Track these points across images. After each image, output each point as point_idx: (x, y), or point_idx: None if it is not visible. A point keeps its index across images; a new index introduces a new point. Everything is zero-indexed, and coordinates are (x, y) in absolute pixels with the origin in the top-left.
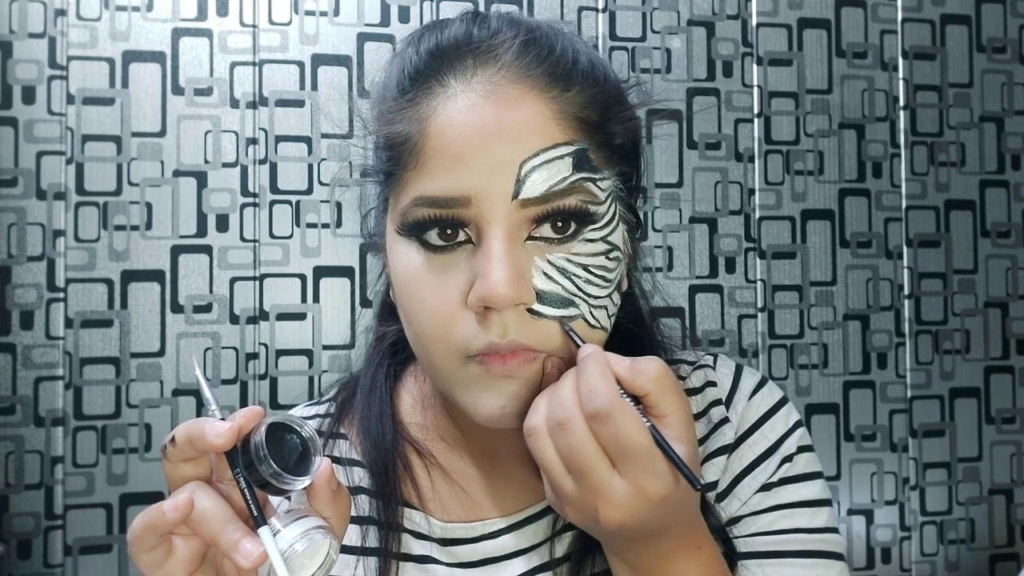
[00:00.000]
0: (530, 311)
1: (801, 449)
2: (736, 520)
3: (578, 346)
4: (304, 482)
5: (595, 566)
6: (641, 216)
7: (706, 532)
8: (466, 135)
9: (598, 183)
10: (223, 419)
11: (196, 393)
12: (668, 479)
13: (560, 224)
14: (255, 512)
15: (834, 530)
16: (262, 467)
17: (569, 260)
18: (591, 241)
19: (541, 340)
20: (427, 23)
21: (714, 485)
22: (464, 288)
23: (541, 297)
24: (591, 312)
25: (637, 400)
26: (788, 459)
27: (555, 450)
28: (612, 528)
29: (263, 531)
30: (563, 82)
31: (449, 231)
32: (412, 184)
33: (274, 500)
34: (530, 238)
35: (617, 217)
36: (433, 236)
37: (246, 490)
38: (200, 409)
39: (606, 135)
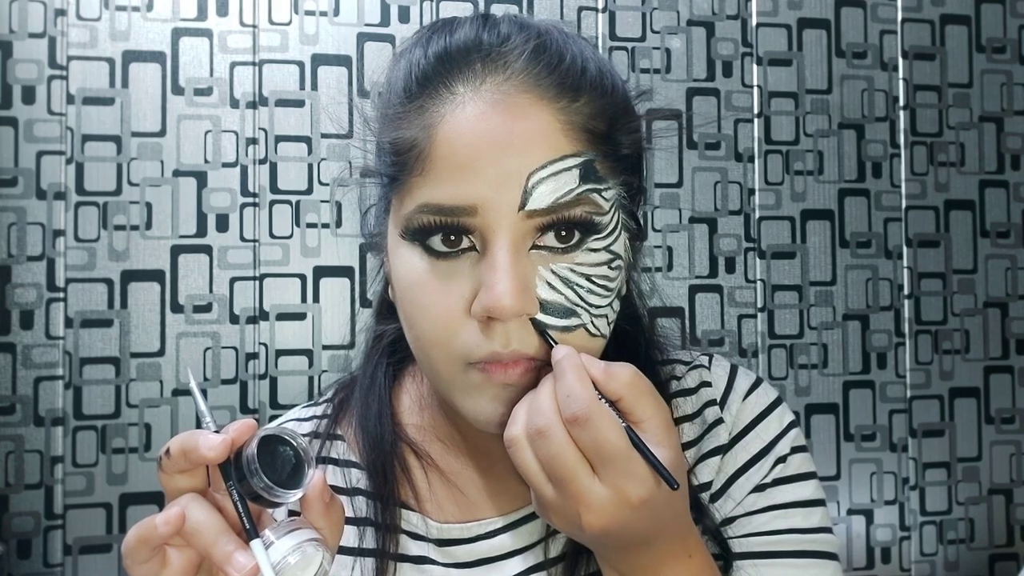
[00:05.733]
0: (533, 321)
1: (795, 450)
2: (730, 521)
3: (551, 346)
4: (296, 495)
5: (589, 566)
6: (641, 220)
7: (698, 540)
8: (474, 144)
9: (603, 193)
10: (217, 431)
11: None
12: (648, 482)
13: (564, 234)
14: (247, 525)
15: (828, 530)
16: (254, 480)
17: (572, 270)
18: (594, 251)
19: (543, 350)
20: (433, 23)
21: (708, 486)
22: (468, 296)
23: (544, 307)
24: (592, 321)
25: (613, 404)
26: (782, 460)
27: (536, 459)
28: (596, 534)
29: (255, 544)
30: (572, 92)
31: (453, 237)
32: (418, 190)
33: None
34: (534, 247)
35: (620, 226)
36: (437, 242)
37: (239, 503)
38: None
39: (613, 146)
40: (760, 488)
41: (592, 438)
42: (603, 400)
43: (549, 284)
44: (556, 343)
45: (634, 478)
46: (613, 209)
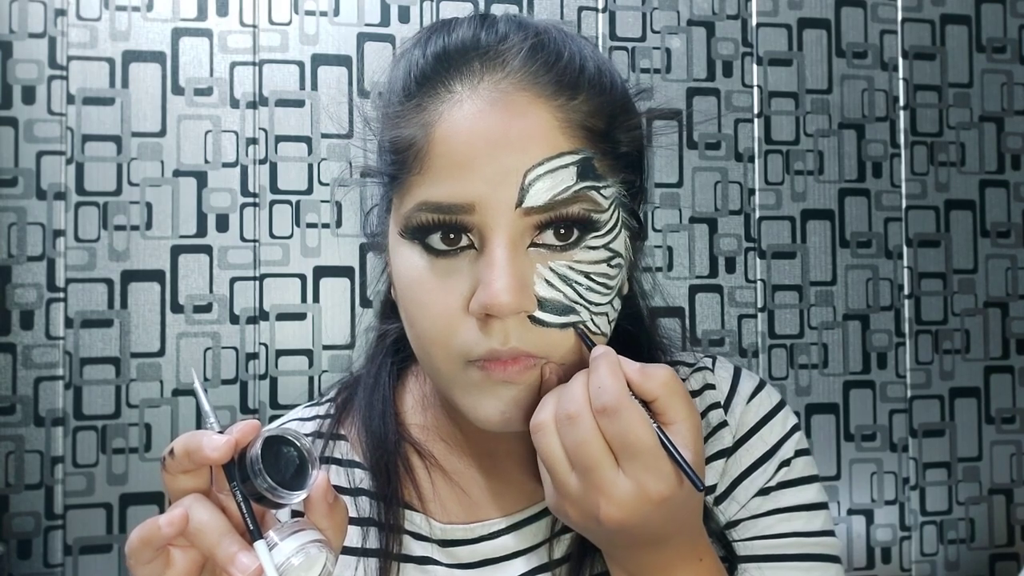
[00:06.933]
0: (531, 318)
1: (798, 453)
2: (734, 523)
3: (590, 348)
4: (299, 496)
5: (594, 567)
6: (643, 219)
7: (708, 544)
8: (471, 142)
9: (601, 191)
10: (221, 431)
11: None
12: (671, 480)
13: (563, 231)
14: (251, 526)
15: (831, 533)
16: (257, 481)
17: (571, 268)
18: (593, 248)
19: (542, 347)
20: (433, 24)
21: (712, 488)
22: (466, 294)
23: (543, 304)
24: (592, 319)
25: (647, 405)
26: (786, 463)
27: (561, 445)
28: (613, 527)
29: (259, 545)
30: (570, 90)
31: (452, 235)
32: (416, 189)
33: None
34: (532, 245)
35: (619, 224)
36: (436, 240)
37: (242, 504)
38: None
39: (611, 144)
40: (764, 491)
41: (620, 430)
42: (635, 399)
43: (547, 282)
44: (595, 344)
45: (657, 474)
46: (612, 207)
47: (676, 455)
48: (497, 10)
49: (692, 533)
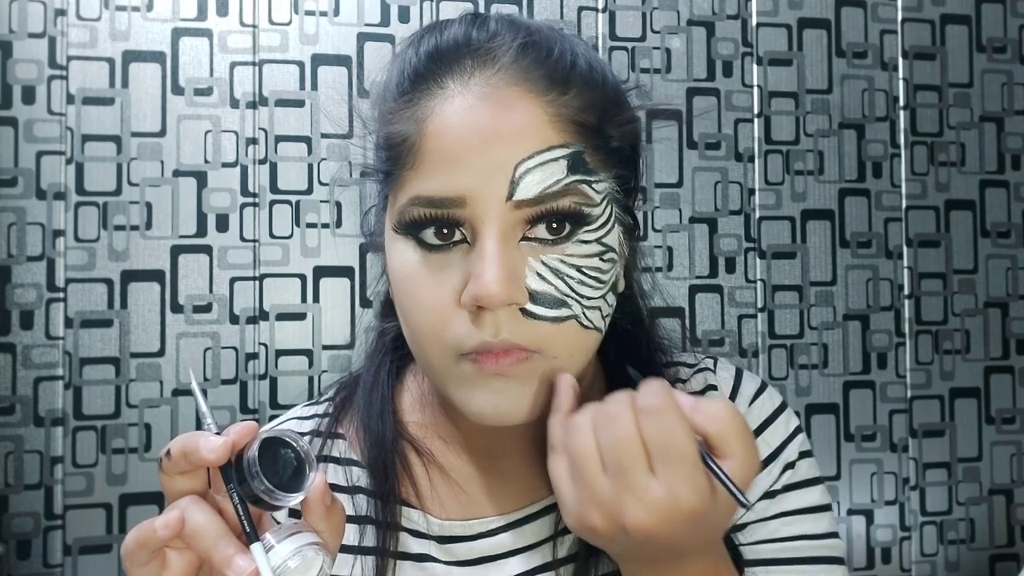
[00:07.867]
0: (523, 311)
1: (802, 455)
2: (740, 527)
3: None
4: (296, 498)
5: (599, 568)
6: (640, 217)
7: (729, 565)
8: (462, 137)
9: (593, 185)
10: (219, 433)
11: None
12: (704, 493)
13: (554, 225)
14: (248, 528)
15: (835, 534)
16: (254, 483)
17: (563, 261)
18: (585, 242)
19: (534, 340)
20: (428, 24)
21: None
22: (459, 287)
23: (534, 297)
24: (584, 313)
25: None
26: (790, 466)
27: (596, 444)
28: (639, 536)
29: (255, 547)
30: (561, 85)
31: (445, 230)
32: (409, 184)
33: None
34: (524, 239)
35: (613, 219)
36: (429, 235)
37: (239, 506)
38: None
39: (603, 138)
40: (770, 495)
41: (660, 432)
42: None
43: (539, 274)
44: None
45: (691, 484)
46: (605, 202)
47: (716, 469)
48: (496, 11)
49: (714, 555)
